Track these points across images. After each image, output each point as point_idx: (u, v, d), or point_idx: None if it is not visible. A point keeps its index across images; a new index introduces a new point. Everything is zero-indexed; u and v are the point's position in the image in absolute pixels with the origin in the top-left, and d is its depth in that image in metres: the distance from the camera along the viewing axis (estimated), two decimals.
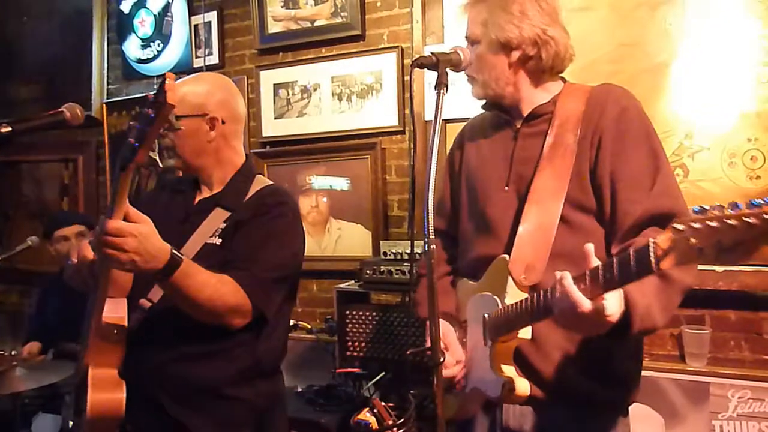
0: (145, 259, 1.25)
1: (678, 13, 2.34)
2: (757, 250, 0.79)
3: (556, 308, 1.11)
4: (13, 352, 2.39)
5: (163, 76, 1.09)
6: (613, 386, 1.33)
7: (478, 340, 1.34)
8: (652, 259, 0.89)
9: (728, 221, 0.79)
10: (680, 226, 0.85)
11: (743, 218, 0.78)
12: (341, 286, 2.72)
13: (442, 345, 1.40)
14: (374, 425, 2.16)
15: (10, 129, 1.33)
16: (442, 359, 1.12)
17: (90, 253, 1.40)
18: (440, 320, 1.43)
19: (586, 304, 1.04)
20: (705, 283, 2.19)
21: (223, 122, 1.61)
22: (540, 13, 1.35)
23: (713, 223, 0.80)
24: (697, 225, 0.82)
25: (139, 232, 1.23)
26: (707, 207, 0.83)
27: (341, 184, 3.04)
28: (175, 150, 1.58)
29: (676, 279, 1.16)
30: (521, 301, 1.21)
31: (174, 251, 1.32)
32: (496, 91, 1.41)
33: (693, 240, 0.83)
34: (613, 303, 1.04)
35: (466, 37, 1.44)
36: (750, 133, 2.24)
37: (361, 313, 2.58)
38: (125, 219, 1.24)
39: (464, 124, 1.65)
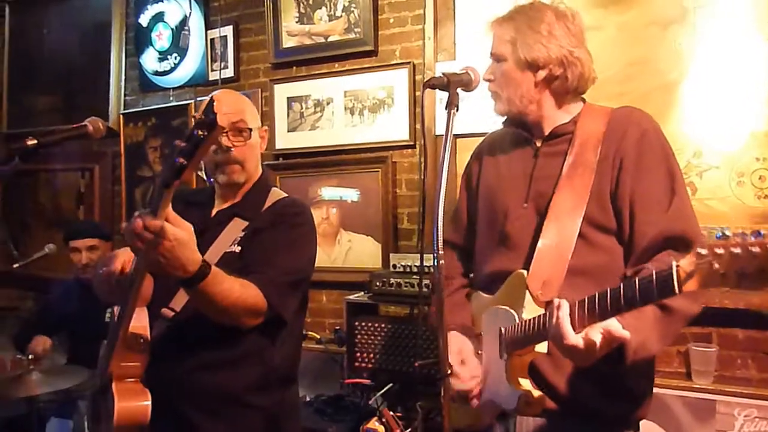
0: (173, 265, 1.27)
1: (688, 32, 2.37)
2: None
3: (549, 334, 1.15)
4: (30, 356, 2.43)
5: (210, 98, 1.11)
6: (625, 401, 1.35)
7: (494, 353, 1.36)
8: (675, 283, 0.92)
9: (751, 249, 0.81)
10: (703, 251, 0.87)
11: (766, 246, 0.80)
12: (351, 297, 2.74)
13: (459, 359, 1.42)
14: None
15: (35, 142, 1.39)
16: (449, 371, 1.15)
17: (119, 266, 1.43)
18: (458, 334, 1.46)
19: (572, 338, 1.09)
20: (712, 302, 2.19)
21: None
22: (567, 34, 1.39)
23: (736, 250, 0.83)
24: (720, 251, 0.85)
25: (176, 239, 1.24)
26: (729, 234, 0.85)
27: (352, 196, 3.07)
28: (244, 164, 1.64)
29: (678, 310, 1.19)
30: (538, 317, 1.23)
31: (204, 263, 1.33)
32: (519, 108, 1.44)
33: (716, 265, 0.85)
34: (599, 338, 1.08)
35: (491, 54, 1.47)
36: (759, 153, 2.26)
37: (370, 324, 2.61)
38: (166, 221, 1.24)
39: (474, 138, 1.68)
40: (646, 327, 1.16)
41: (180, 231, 1.25)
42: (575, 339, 1.09)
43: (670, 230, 1.24)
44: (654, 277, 0.96)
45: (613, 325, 1.08)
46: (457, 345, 1.45)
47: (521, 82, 1.41)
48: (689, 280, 0.90)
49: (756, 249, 0.80)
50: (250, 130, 1.63)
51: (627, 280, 1.04)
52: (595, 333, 1.08)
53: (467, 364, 1.43)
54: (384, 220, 2.96)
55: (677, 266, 0.91)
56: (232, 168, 1.62)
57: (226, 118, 1.51)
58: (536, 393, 1.26)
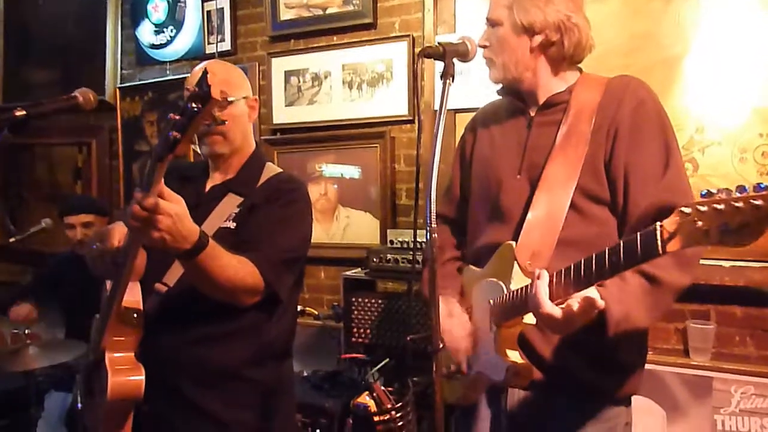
0: (175, 239, 1.25)
1: (692, 6, 2.32)
2: (762, 233, 0.82)
3: (529, 304, 1.15)
4: (26, 331, 2.44)
5: (204, 70, 1.09)
6: (615, 375, 1.34)
7: (483, 325, 1.35)
8: (659, 242, 0.92)
9: (734, 203, 0.81)
10: (687, 210, 0.88)
11: (749, 200, 0.80)
12: (348, 273, 2.74)
13: (447, 313, 1.42)
14: (372, 408, 2.20)
15: (24, 113, 1.36)
16: (441, 346, 1.14)
17: (115, 241, 1.42)
18: (448, 297, 1.45)
19: (548, 306, 1.10)
20: (711, 278, 2.19)
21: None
22: None
23: (719, 206, 0.83)
24: (703, 208, 0.85)
25: (174, 212, 1.23)
26: (714, 191, 0.85)
27: (350, 172, 3.05)
28: (226, 134, 1.60)
29: (667, 282, 1.18)
30: (525, 287, 1.22)
31: (203, 233, 1.32)
32: (514, 75, 1.41)
33: (699, 222, 0.86)
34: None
35: (487, 18, 1.43)
36: (762, 129, 2.22)
37: (367, 300, 2.61)
38: (159, 197, 1.22)
39: (473, 113, 1.65)
40: (630, 298, 1.16)
41: (175, 205, 1.24)
42: (551, 308, 1.10)
43: (664, 201, 1.21)
44: (638, 238, 0.96)
45: (591, 293, 1.08)
46: (446, 305, 1.44)
47: (516, 47, 1.38)
48: (672, 239, 0.90)
49: (739, 204, 0.81)
50: (229, 101, 1.58)
51: (612, 245, 1.04)
52: (573, 301, 1.08)
53: (455, 317, 1.43)
54: (382, 195, 2.94)
55: (660, 226, 0.91)
56: (214, 139, 1.59)
57: None
58: (522, 363, 1.26)
